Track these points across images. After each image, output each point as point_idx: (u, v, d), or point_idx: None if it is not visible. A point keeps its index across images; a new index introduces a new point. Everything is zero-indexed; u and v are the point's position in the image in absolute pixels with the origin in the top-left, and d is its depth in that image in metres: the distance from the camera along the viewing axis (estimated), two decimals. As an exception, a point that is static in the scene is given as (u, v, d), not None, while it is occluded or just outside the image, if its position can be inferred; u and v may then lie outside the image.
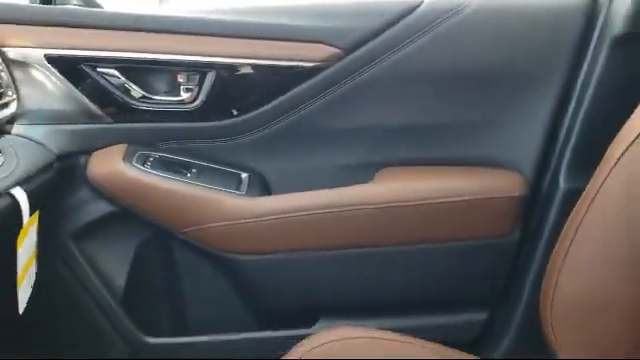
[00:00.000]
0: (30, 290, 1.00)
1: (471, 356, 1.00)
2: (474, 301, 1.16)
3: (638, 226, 0.79)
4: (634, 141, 0.84)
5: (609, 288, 0.85)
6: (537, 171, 1.10)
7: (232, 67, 1.07)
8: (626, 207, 0.84)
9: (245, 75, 1.08)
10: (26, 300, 0.98)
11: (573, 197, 0.85)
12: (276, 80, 1.09)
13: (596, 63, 1.04)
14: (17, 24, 1.04)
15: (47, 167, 1.01)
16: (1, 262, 0.93)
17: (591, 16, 1.05)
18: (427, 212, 1.08)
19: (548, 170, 1.09)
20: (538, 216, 1.09)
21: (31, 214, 0.93)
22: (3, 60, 1.02)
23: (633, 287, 0.79)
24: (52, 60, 1.04)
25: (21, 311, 0.96)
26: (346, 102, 1.10)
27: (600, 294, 0.86)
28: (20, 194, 0.90)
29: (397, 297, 1.14)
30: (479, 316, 1.16)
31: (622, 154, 0.85)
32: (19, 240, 0.92)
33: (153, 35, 1.06)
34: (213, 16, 1.09)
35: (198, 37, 1.07)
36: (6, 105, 1.01)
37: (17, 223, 0.91)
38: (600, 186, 0.86)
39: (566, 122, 1.07)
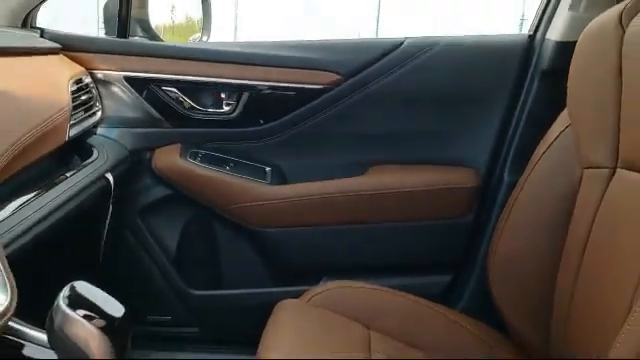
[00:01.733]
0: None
1: (440, 307, 1.32)
2: (441, 266, 1.47)
3: (555, 201, 1.11)
4: (552, 143, 1.18)
5: (535, 248, 1.17)
6: (488, 168, 1.43)
7: (261, 88, 1.40)
8: (547, 189, 1.17)
9: (270, 94, 1.41)
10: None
11: (514, 187, 1.18)
12: (293, 98, 1.42)
13: (532, 88, 1.37)
14: (103, 53, 1.37)
15: (124, 159, 1.34)
16: (96, 227, 1.27)
17: (528, 53, 1.38)
18: (405, 198, 1.41)
19: (496, 167, 1.42)
20: (488, 201, 1.42)
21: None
22: (93, 80, 1.34)
23: (553, 246, 1.10)
24: (128, 80, 1.37)
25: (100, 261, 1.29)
26: (345, 115, 1.42)
27: (526, 254, 1.19)
28: (110, 178, 1.23)
29: (382, 261, 1.46)
30: (445, 277, 1.47)
31: (544, 152, 1.18)
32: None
33: (202, 63, 1.39)
34: (247, 50, 1.43)
35: (236, 65, 1.40)
36: (94, 113, 1.34)
37: (108, 199, 1.24)
38: (529, 175, 1.19)
39: (510, 131, 1.40)
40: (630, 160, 0.96)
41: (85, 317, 0.53)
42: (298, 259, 1.46)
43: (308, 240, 1.44)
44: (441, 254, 1.46)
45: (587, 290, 1.01)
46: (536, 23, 1.38)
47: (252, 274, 1.49)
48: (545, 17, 1.36)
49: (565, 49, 1.18)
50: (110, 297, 0.58)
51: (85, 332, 0.53)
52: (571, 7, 1.29)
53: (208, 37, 1.64)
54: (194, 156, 1.41)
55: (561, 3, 1.32)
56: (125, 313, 0.57)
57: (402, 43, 1.41)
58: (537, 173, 1.21)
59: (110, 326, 0.55)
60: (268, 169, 1.46)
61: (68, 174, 1.11)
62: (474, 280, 1.43)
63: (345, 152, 1.46)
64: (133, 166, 1.38)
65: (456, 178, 1.42)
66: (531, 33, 1.39)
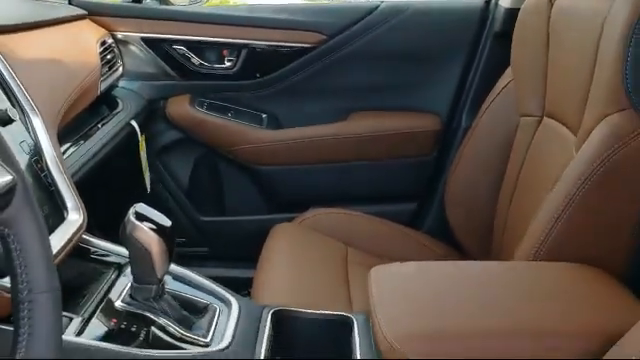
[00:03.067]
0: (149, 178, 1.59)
1: (408, 229, 1.59)
2: (409, 196, 1.73)
3: (497, 142, 1.36)
4: (497, 95, 1.42)
5: (481, 179, 1.43)
6: (448, 115, 1.67)
7: (257, 47, 1.62)
8: (492, 132, 1.42)
9: (265, 52, 1.63)
10: (149, 183, 1.56)
11: (468, 131, 1.43)
12: (284, 55, 1.63)
13: (486, 46, 1.60)
14: (123, 17, 1.58)
15: (144, 108, 1.58)
16: (133, 163, 1.51)
17: (484, 16, 1.60)
18: (378, 139, 1.66)
19: (455, 114, 1.67)
20: (448, 142, 1.67)
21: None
22: (114, 40, 1.56)
23: (495, 177, 1.36)
24: (144, 40, 1.58)
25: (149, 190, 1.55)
26: (329, 70, 1.64)
27: (475, 185, 1.45)
28: (135, 124, 1.47)
29: (360, 193, 1.71)
30: (412, 205, 1.73)
31: (491, 102, 1.42)
32: (140, 151, 1.50)
33: (207, 25, 1.61)
34: (245, 13, 1.64)
35: (236, 27, 1.61)
36: (117, 69, 1.55)
37: (136, 142, 1.48)
38: (479, 120, 1.44)
39: (467, 83, 1.64)
40: (551, 111, 1.21)
41: (147, 226, 0.79)
42: (290, 191, 1.72)
43: (298, 175, 1.70)
44: (409, 186, 1.72)
45: (518, 209, 1.27)
46: (491, -11, 1.59)
47: (251, 204, 1.76)
48: (498, -16, 1.57)
49: (513, 15, 1.40)
50: (161, 214, 0.83)
51: (148, 236, 0.79)
52: (519, -23, 1.50)
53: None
54: (201, 105, 1.65)
55: (511, -28, 1.53)
56: (172, 224, 0.83)
57: (378, 7, 1.62)
58: (485, 119, 1.46)
59: (163, 232, 0.80)
60: (264, 116, 1.70)
61: (103, 123, 1.35)
62: (435, 207, 1.69)
63: (329, 101, 1.70)
64: (150, 113, 1.62)
65: (422, 123, 1.67)
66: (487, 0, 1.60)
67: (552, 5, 1.21)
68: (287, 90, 1.68)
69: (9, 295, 0.52)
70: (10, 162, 0.51)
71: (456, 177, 1.50)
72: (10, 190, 0.49)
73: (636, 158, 0.88)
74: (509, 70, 1.41)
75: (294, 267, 1.32)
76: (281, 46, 1.62)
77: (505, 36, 1.44)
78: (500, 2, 1.56)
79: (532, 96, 1.28)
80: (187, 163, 1.72)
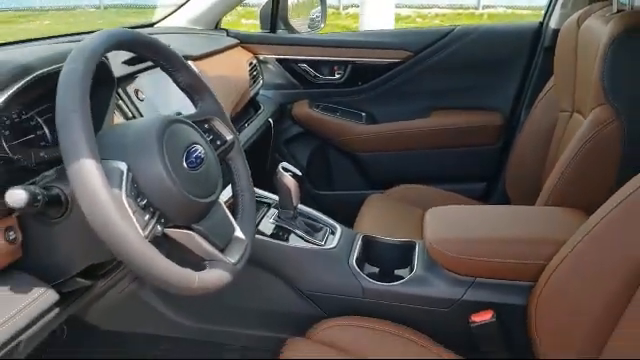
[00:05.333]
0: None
1: (475, 202, 2.00)
2: (478, 177, 2.15)
3: (543, 132, 1.74)
4: (544, 96, 1.81)
5: (532, 159, 1.79)
6: (510, 112, 2.08)
7: (359, 62, 2.13)
8: (539, 125, 1.81)
9: (365, 66, 2.13)
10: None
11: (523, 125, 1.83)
12: (380, 68, 2.13)
13: (539, 58, 2.00)
14: (263, 44, 2.15)
15: (276, 110, 2.13)
16: (268, 147, 2.08)
17: (537, 34, 2.00)
18: (454, 132, 2.11)
19: (515, 112, 2.07)
20: (510, 134, 2.07)
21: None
22: (257, 61, 2.13)
23: (542, 157, 1.73)
24: (278, 60, 2.15)
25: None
26: (414, 78, 2.12)
27: (528, 165, 1.82)
28: (271, 121, 2.03)
29: (439, 174, 2.15)
30: (482, 184, 2.16)
31: (539, 101, 1.82)
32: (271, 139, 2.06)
33: (323, 48, 2.14)
34: (350, 37, 2.15)
35: (344, 48, 2.13)
36: (258, 82, 2.12)
37: (271, 133, 2.04)
38: (531, 115, 1.84)
39: (524, 88, 2.04)
40: (578, 107, 1.60)
41: (289, 174, 1.31)
42: (382, 172, 2.20)
43: (388, 160, 2.18)
44: (478, 170, 2.15)
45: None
46: (543, 14, 1.99)
47: (353, 181, 2.26)
48: (549, 11, 1.96)
49: (558, 34, 1.79)
50: (295, 168, 1.35)
51: (289, 180, 1.31)
52: (562, 6, 1.89)
53: (324, 24, 2.38)
54: (317, 107, 2.18)
55: (558, 2, 1.91)
56: (303, 174, 1.34)
57: (453, 30, 2.07)
58: (534, 115, 1.86)
59: (298, 178, 1.32)
60: (363, 114, 2.20)
61: (251, 120, 1.91)
62: (500, 186, 2.10)
63: (414, 102, 2.17)
64: (280, 114, 2.18)
65: (488, 119, 2.10)
66: (541, 21, 2.00)
67: (579, 27, 1.60)
68: (381, 95, 2.18)
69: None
70: (230, 128, 1.04)
71: (514, 161, 1.91)
72: (232, 144, 1.03)
73: (609, 139, 1.28)
74: (553, 77, 1.80)
75: (380, 223, 1.80)
76: (378, 61, 2.12)
77: (552, 50, 1.83)
78: (550, 24, 1.95)
79: (566, 96, 1.67)
80: (305, 150, 2.26)
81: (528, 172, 1.83)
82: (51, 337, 1.33)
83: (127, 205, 0.74)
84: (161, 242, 0.81)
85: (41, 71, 0.86)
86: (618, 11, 1.44)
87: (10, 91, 0.82)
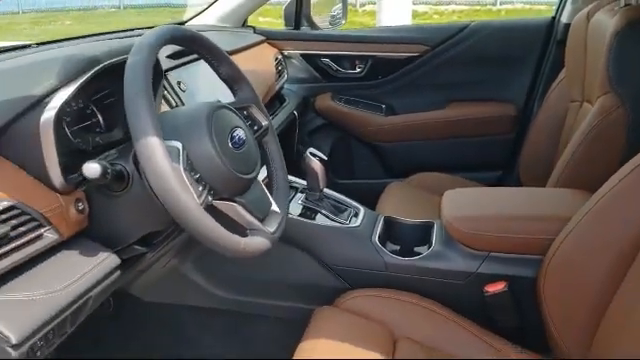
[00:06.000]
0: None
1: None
2: (493, 165, 2.24)
3: (555, 120, 1.82)
4: (556, 86, 1.90)
5: (545, 147, 1.88)
6: (524, 103, 2.16)
7: (379, 57, 2.23)
8: (551, 114, 1.89)
9: (385, 60, 2.23)
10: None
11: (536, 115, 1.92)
12: (399, 62, 2.23)
13: (551, 52, 2.08)
14: (287, 40, 2.26)
15: (300, 102, 2.24)
16: (293, 137, 2.19)
17: (550, 29, 2.08)
18: (469, 122, 2.20)
19: (529, 102, 2.15)
20: (524, 124, 2.15)
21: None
22: (282, 56, 2.24)
23: (554, 143, 1.82)
24: (302, 55, 2.26)
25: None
26: (432, 71, 2.21)
27: (541, 153, 1.91)
28: (296, 113, 2.14)
29: (456, 162, 2.24)
30: (497, 172, 2.25)
31: (551, 92, 1.91)
32: (296, 130, 2.17)
33: (344, 43, 2.25)
34: (370, 33, 2.25)
35: (365, 44, 2.23)
36: (283, 76, 2.23)
37: (295, 125, 2.16)
38: (543, 105, 1.93)
39: (537, 80, 2.12)
40: (588, 97, 1.68)
41: (315, 159, 1.42)
42: (401, 161, 2.30)
43: (407, 149, 2.28)
44: (493, 158, 2.24)
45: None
46: (555, 9, 2.07)
47: (373, 170, 2.37)
48: (561, 6, 2.04)
49: (569, 28, 1.87)
50: (322, 153, 1.46)
51: (316, 164, 1.42)
52: (573, 1, 1.97)
53: (345, 20, 2.48)
54: (339, 100, 2.29)
55: (569, -3, 2.00)
56: (327, 159, 1.45)
57: (469, 25, 2.16)
58: (546, 105, 1.94)
59: (324, 162, 1.43)
60: (383, 106, 2.30)
61: (276, 113, 2.02)
62: (514, 173, 2.18)
63: (431, 94, 2.26)
64: (304, 107, 2.28)
65: (503, 110, 2.19)
66: (553, 16, 2.08)
67: (589, 20, 1.69)
68: (400, 87, 2.27)
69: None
70: (265, 114, 1.15)
71: (527, 150, 1.99)
72: (267, 129, 1.14)
73: (614, 125, 1.37)
74: (564, 69, 1.88)
75: (400, 207, 1.90)
76: (396, 56, 2.22)
77: (564, 43, 1.91)
78: (562, 19, 2.03)
79: (576, 87, 1.75)
80: (328, 141, 2.36)
81: (541, 159, 1.91)
82: (99, 309, 1.47)
83: (185, 177, 0.86)
84: (210, 212, 0.92)
85: (106, 63, 0.98)
86: (625, 5, 1.52)
87: (80, 81, 0.94)
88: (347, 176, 2.38)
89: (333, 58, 2.26)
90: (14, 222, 0.81)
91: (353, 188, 2.33)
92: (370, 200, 1.92)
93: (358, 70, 2.27)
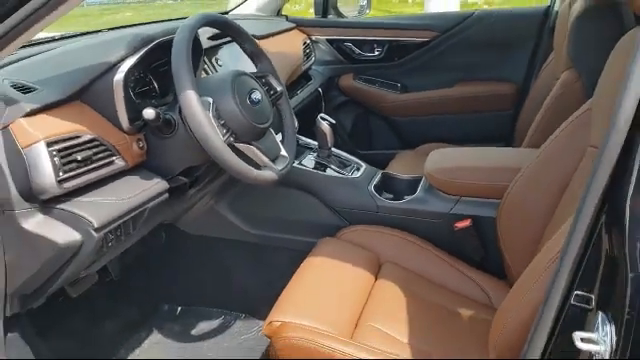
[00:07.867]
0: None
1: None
2: (495, 138, 2.47)
3: (544, 93, 2.07)
4: (547, 64, 2.13)
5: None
6: (522, 82, 2.39)
7: (395, 42, 2.50)
8: (541, 89, 2.11)
9: (400, 44, 2.50)
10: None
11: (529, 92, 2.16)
12: (412, 46, 2.49)
13: (546, 36, 2.29)
14: (315, 27, 2.56)
15: (325, 81, 2.54)
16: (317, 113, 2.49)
17: (546, 16, 2.29)
18: (474, 99, 2.45)
19: (526, 83, 2.38)
20: (522, 101, 2.38)
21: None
22: (310, 41, 2.54)
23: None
24: (328, 40, 2.55)
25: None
26: (440, 54, 2.46)
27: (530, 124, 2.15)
28: (320, 90, 2.43)
29: (462, 135, 2.46)
30: (498, 145, 2.46)
31: (542, 71, 2.14)
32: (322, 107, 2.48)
33: (365, 29, 2.53)
34: (387, 20, 2.52)
35: (383, 29, 2.50)
36: (311, 58, 2.52)
37: (320, 101, 2.46)
38: (535, 82, 2.16)
39: (535, 62, 2.34)
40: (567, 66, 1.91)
41: (325, 123, 1.72)
42: (413, 132, 2.56)
43: (419, 123, 2.55)
44: (494, 131, 2.47)
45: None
46: (550, -2, 2.29)
47: (389, 141, 2.64)
48: (555, -6, 2.26)
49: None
50: (330, 118, 1.75)
51: (325, 126, 1.72)
52: (564, -10, 2.18)
53: (369, 10, 2.76)
54: (360, 79, 2.57)
55: (562, -14, 2.21)
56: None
57: (473, 13, 2.40)
58: (538, 82, 2.16)
59: (333, 126, 1.73)
60: (399, 85, 2.57)
61: (302, 89, 2.32)
62: (513, 145, 2.41)
63: (440, 75, 2.51)
64: (329, 85, 2.58)
65: (503, 88, 2.43)
66: (548, 4, 2.29)
67: (570, 7, 1.91)
68: (413, 68, 2.54)
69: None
70: (279, 82, 1.46)
71: (521, 121, 2.23)
72: (281, 93, 1.45)
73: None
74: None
75: (403, 170, 2.17)
76: (410, 40, 2.49)
77: (556, 28, 2.13)
78: (555, 7, 2.25)
79: (560, 66, 1.96)
80: (350, 116, 2.66)
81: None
82: (155, 240, 1.83)
83: (213, 122, 1.18)
84: (233, 150, 1.24)
85: (159, 40, 1.31)
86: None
87: (141, 52, 1.27)
88: (366, 147, 2.67)
89: (355, 43, 2.54)
90: (95, 150, 1.15)
91: (371, 158, 2.61)
92: (384, 166, 2.21)
93: (376, 53, 2.54)
